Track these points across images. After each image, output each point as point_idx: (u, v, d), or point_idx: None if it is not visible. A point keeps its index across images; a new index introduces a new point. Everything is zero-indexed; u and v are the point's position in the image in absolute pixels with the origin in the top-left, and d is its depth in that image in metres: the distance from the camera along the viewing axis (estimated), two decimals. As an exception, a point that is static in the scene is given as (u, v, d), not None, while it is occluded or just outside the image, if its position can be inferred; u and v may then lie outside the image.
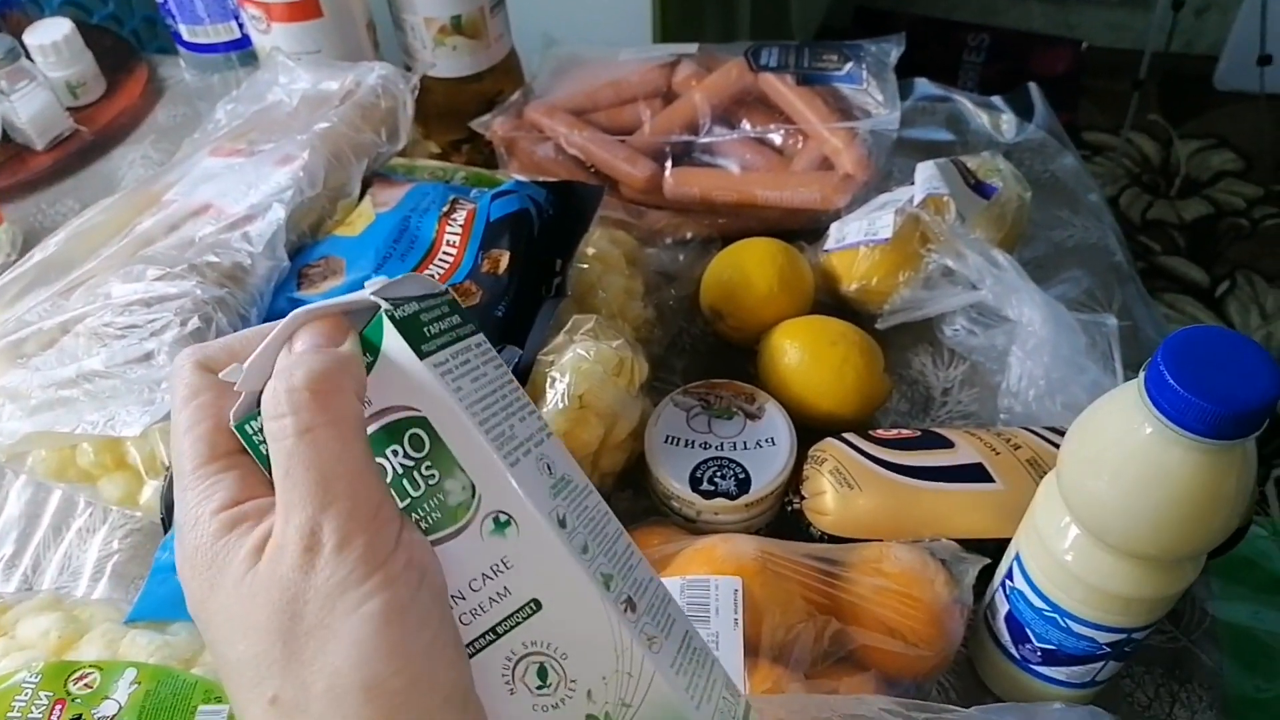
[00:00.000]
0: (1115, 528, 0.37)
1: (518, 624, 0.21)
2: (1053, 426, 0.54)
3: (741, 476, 0.53)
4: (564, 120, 0.71)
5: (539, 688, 0.21)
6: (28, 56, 0.81)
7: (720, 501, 0.52)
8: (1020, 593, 0.44)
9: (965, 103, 0.80)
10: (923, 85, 0.82)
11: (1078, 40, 2.14)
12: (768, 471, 0.53)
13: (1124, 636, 0.42)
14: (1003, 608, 0.46)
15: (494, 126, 0.70)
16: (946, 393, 0.63)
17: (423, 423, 0.21)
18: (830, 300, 0.66)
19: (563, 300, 0.53)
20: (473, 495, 0.21)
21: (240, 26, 0.74)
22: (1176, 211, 1.88)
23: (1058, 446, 0.52)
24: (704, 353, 0.66)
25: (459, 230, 0.52)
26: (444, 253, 0.52)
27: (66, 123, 0.83)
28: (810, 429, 0.58)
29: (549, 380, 0.48)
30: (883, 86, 0.67)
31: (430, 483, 0.21)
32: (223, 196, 0.52)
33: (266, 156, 0.54)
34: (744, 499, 0.52)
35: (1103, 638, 0.42)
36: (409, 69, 0.73)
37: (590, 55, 0.77)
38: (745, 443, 0.54)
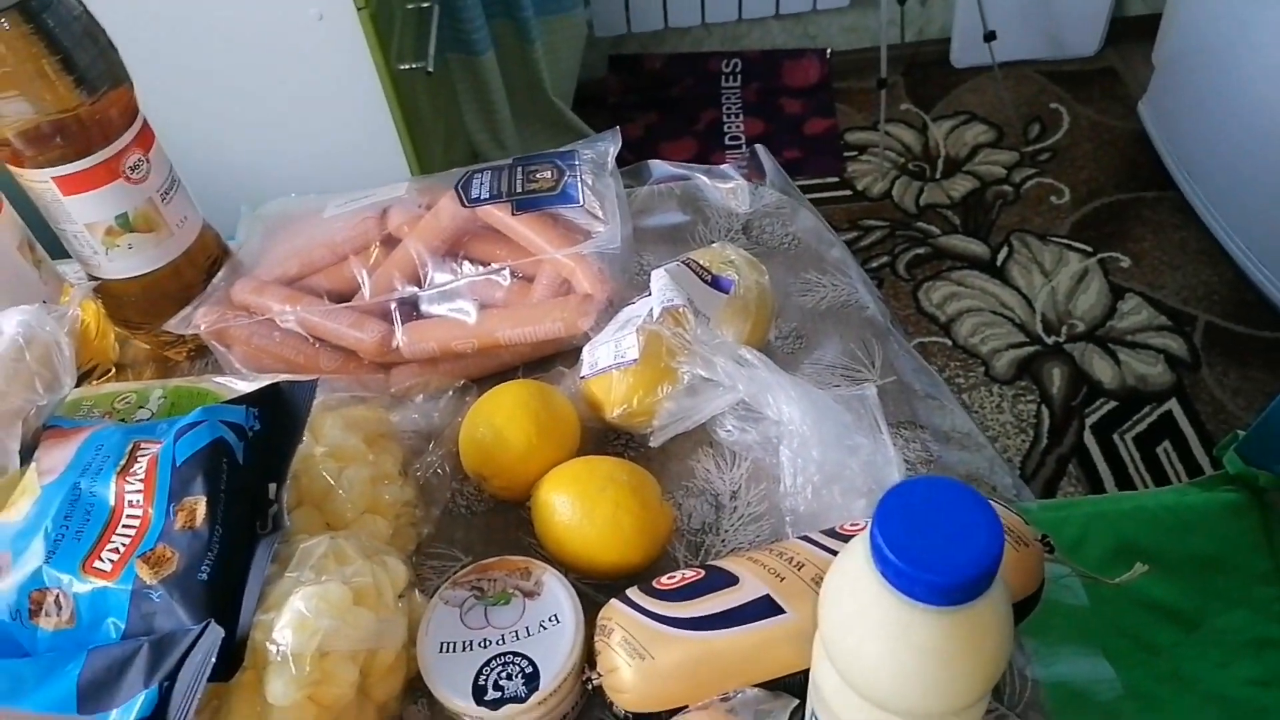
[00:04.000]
0: (878, 690, 0.35)
1: None
2: (833, 529, 0.52)
3: (529, 671, 0.48)
4: (276, 295, 0.65)
5: None
6: None
7: (511, 708, 0.47)
8: (826, 747, 0.41)
9: (700, 178, 0.79)
10: (658, 167, 0.80)
11: (822, 49, 2.23)
12: (556, 657, 0.48)
13: (934, 773, 0.39)
14: (817, 758, 0.43)
15: (197, 320, 0.63)
16: (735, 495, 0.61)
17: None
18: (599, 425, 0.63)
19: (282, 532, 0.47)
20: None
21: None
22: (945, 192, 1.97)
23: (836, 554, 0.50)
24: (482, 514, 0.61)
25: (140, 485, 0.46)
26: (128, 518, 0.45)
27: None
28: (598, 581, 0.55)
29: (273, 649, 0.41)
30: (602, 197, 0.64)
31: None
32: None
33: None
34: (535, 697, 0.47)
35: (915, 779, 0.39)
36: (92, 277, 0.65)
37: (298, 210, 0.72)
38: (528, 628, 0.50)
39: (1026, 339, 1.68)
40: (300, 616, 0.42)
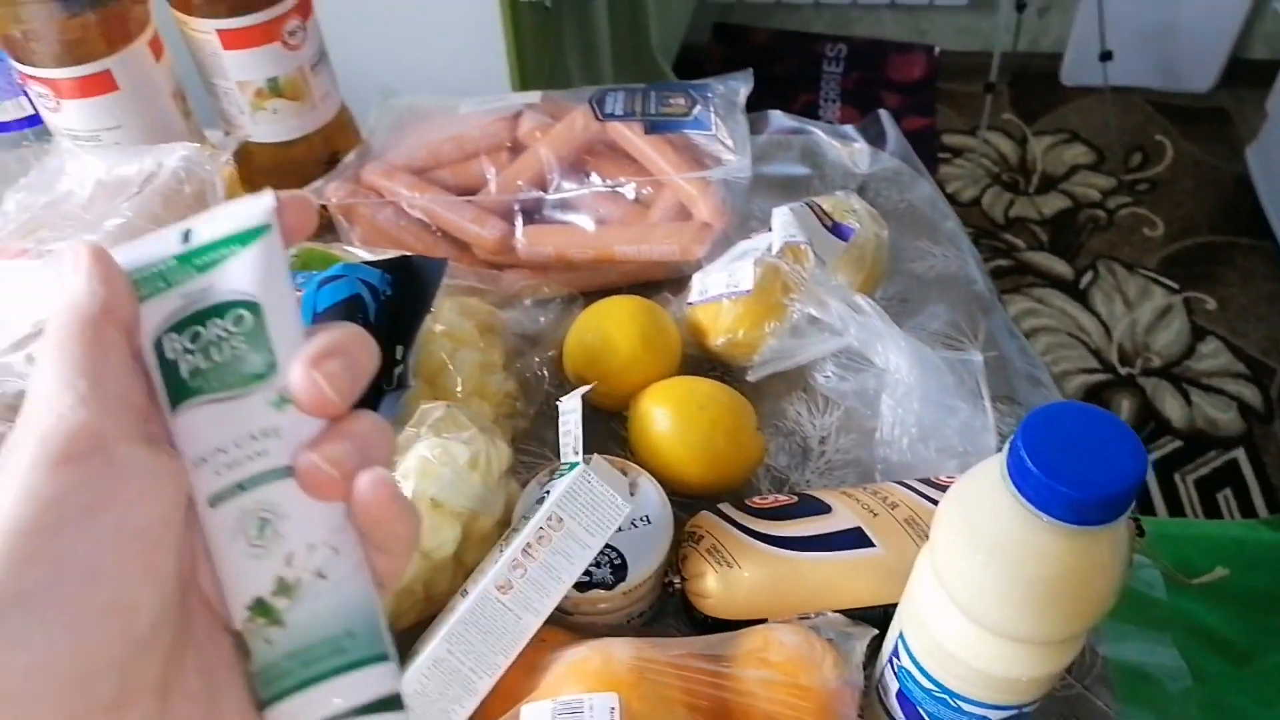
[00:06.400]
0: (992, 612, 0.35)
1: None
2: (927, 478, 0.52)
3: (618, 562, 0.49)
4: (405, 181, 0.66)
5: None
6: None
7: (597, 593, 0.48)
8: (908, 672, 0.42)
9: (820, 134, 0.79)
10: (777, 118, 0.80)
11: (930, 46, 2.20)
12: (645, 554, 0.50)
13: (1015, 712, 0.40)
14: (894, 685, 0.44)
15: (328, 193, 0.65)
16: (824, 441, 0.62)
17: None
18: (699, 354, 0.63)
19: (407, 391, 0.49)
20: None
21: (31, 102, 0.67)
22: (1036, 207, 1.94)
23: (933, 501, 0.50)
24: (573, 420, 0.63)
25: (282, 327, 0.47)
26: (266, 354, 0.47)
27: None
28: (688, 497, 0.56)
29: (390, 491, 0.43)
30: (733, 130, 0.65)
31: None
32: (6, 309, 0.46)
33: (57, 257, 0.48)
34: (621, 587, 0.48)
35: (994, 715, 0.40)
36: (228, 134, 0.67)
37: (430, 107, 0.73)
38: (620, 525, 0.51)
39: (1099, 366, 1.66)
40: (425, 462, 0.43)
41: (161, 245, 0.25)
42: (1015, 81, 2.21)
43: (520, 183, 0.66)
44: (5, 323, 0.46)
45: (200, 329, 0.25)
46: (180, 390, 0.25)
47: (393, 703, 0.24)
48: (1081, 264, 1.83)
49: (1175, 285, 1.78)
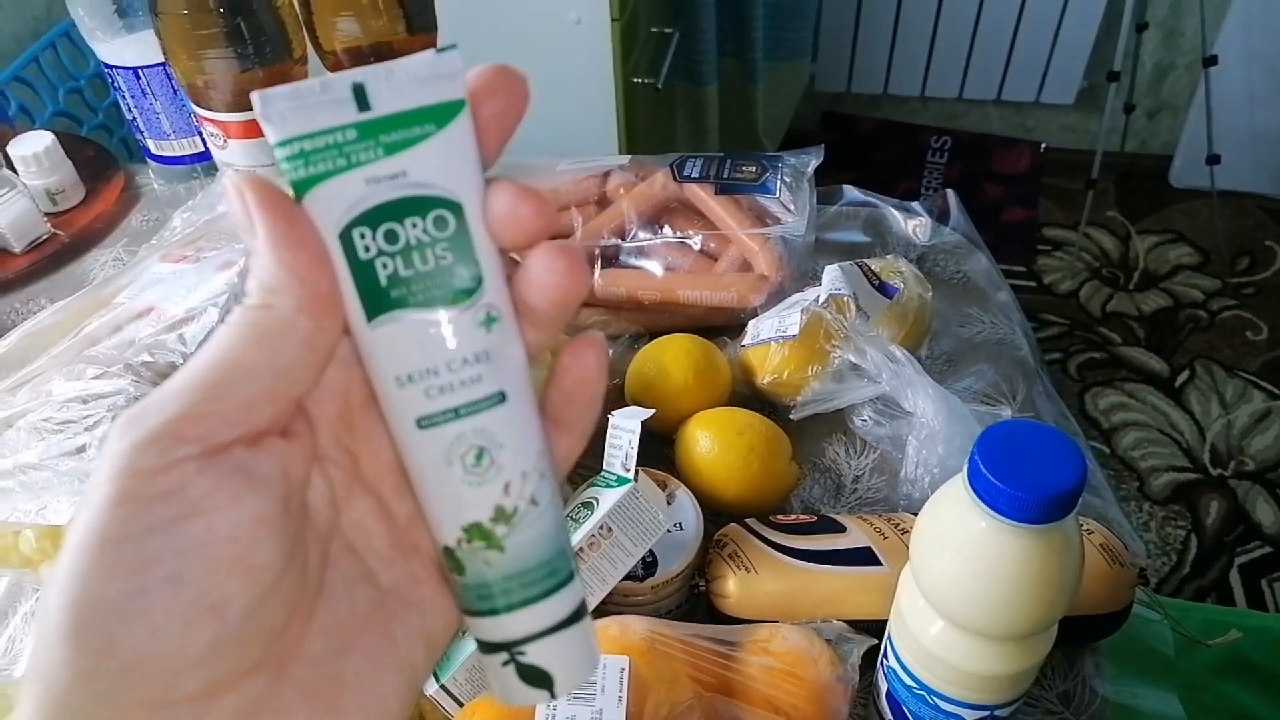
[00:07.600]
0: (957, 606, 0.40)
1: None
2: (942, 512, 0.57)
3: (649, 560, 0.55)
4: (503, 225, 0.76)
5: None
6: (10, 167, 0.86)
7: (628, 584, 0.54)
8: (894, 671, 0.46)
9: (887, 208, 0.86)
10: (849, 191, 0.87)
11: (1037, 142, 2.24)
12: (675, 556, 0.56)
13: (987, 714, 0.44)
14: (884, 686, 0.48)
15: (437, 231, 0.75)
16: (857, 480, 0.67)
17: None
18: (748, 392, 0.70)
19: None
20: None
21: (203, 141, 0.80)
22: (1135, 304, 1.93)
23: (943, 531, 0.55)
24: (630, 443, 0.70)
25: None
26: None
27: (44, 227, 0.88)
28: (722, 515, 0.62)
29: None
30: (796, 196, 0.72)
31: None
32: (165, 300, 0.57)
33: (210, 262, 0.58)
34: (650, 581, 0.55)
35: (968, 715, 0.44)
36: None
37: (534, 164, 0.83)
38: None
39: (1190, 465, 1.63)
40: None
41: (328, 102, 0.20)
42: (1121, 180, 2.22)
43: (603, 230, 0.74)
44: (165, 310, 0.57)
45: (397, 227, 0.21)
46: (379, 300, 0.22)
47: (583, 612, 0.25)
48: (1179, 362, 1.80)
49: (1276, 390, 1.73)
